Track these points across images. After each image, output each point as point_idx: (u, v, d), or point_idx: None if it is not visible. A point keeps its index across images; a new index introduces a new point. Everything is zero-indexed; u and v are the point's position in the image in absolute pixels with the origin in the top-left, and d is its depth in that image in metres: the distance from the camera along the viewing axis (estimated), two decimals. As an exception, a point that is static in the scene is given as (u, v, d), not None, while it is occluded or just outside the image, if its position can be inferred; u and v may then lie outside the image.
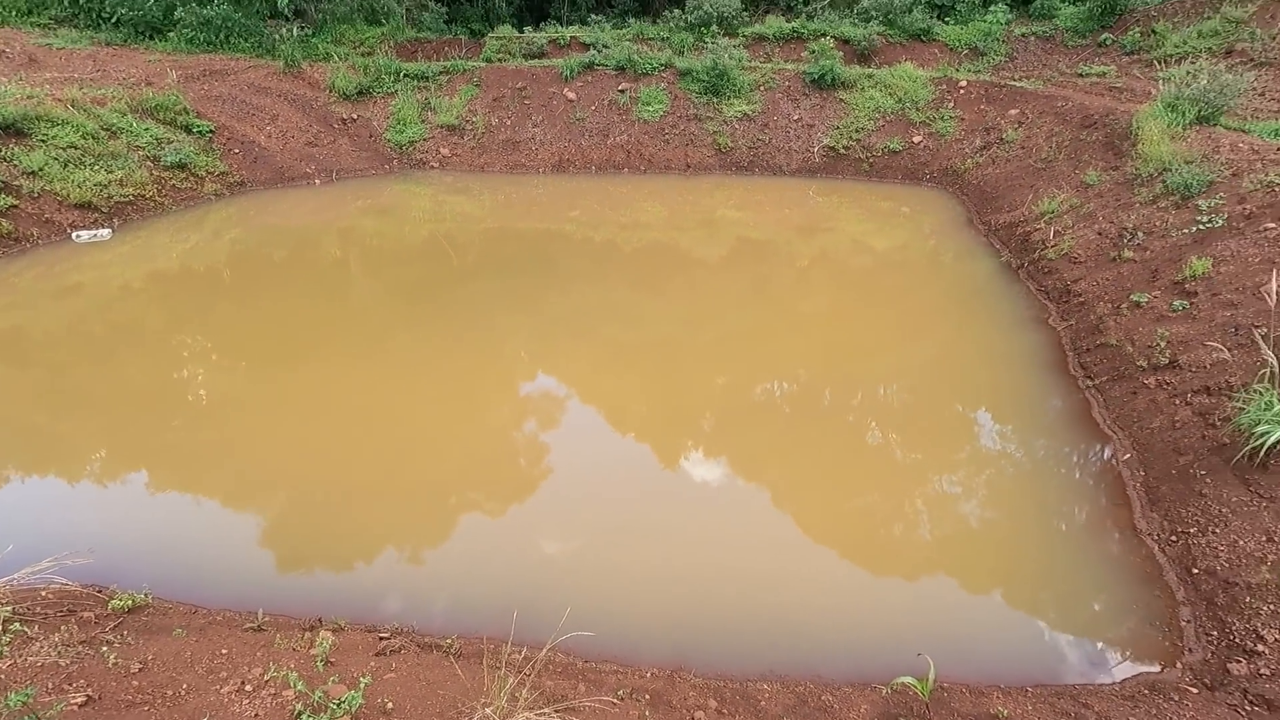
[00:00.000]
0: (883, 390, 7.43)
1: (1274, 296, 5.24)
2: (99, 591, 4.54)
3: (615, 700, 3.69)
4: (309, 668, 3.69)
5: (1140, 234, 8.34)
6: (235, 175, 14.01)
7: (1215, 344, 6.00)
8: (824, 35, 16.95)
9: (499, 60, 17.57)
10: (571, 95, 16.22)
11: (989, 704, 3.81)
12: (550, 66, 16.75)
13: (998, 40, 17.48)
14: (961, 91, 15.16)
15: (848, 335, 8.60)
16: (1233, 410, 5.34)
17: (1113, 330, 7.26)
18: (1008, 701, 3.84)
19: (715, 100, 15.72)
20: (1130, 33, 16.14)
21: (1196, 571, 4.63)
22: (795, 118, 15.54)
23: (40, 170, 11.31)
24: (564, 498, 5.89)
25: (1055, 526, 5.43)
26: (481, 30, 20.18)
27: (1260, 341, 5.25)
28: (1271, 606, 4.14)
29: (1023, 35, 17.61)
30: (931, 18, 18.03)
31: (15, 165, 11.14)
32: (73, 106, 12.57)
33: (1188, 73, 10.80)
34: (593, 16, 20.18)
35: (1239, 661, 3.98)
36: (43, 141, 11.71)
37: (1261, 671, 3.86)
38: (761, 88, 15.92)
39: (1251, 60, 13.10)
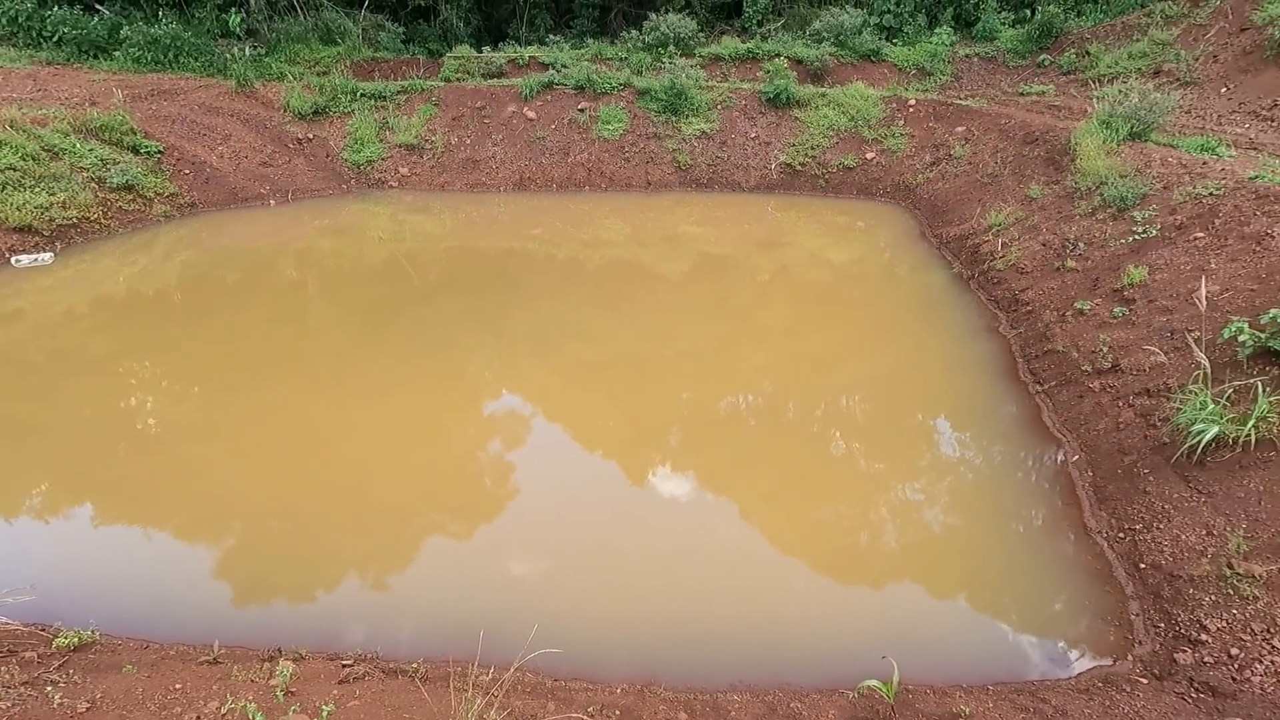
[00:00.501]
0: (844, 401, 7.58)
1: (1203, 302, 5.56)
2: (42, 630, 4.34)
3: (585, 717, 3.67)
4: (268, 699, 3.58)
5: (1081, 245, 8.72)
6: (186, 196, 13.66)
7: (1153, 348, 6.30)
8: (778, 56, 17.38)
9: (458, 80, 17.56)
10: (531, 114, 16.29)
11: (952, 703, 3.90)
12: (510, 86, 16.81)
13: (943, 61, 18.16)
14: (911, 110, 15.69)
15: (809, 347, 8.76)
16: (1171, 410, 5.60)
17: (1059, 337, 7.56)
18: (970, 700, 3.94)
19: (674, 119, 15.96)
20: (1066, 54, 16.94)
21: (1143, 567, 4.83)
22: (753, 135, 15.87)
23: (-24, 193, 10.89)
24: (530, 517, 5.85)
25: (1012, 529, 5.60)
26: (439, 50, 20.13)
27: (1193, 345, 5.53)
28: (1212, 597, 4.33)
29: (967, 56, 18.34)
30: (880, 39, 18.65)
31: (-51, 188, 10.72)
32: (11, 127, 12.13)
33: (1120, 92, 11.36)
34: (551, 37, 20.32)
35: (1185, 651, 4.15)
36: (-21, 163, 11.28)
37: (1205, 660, 4.03)
38: (719, 106, 16.23)
39: (1178, 80, 13.87)
